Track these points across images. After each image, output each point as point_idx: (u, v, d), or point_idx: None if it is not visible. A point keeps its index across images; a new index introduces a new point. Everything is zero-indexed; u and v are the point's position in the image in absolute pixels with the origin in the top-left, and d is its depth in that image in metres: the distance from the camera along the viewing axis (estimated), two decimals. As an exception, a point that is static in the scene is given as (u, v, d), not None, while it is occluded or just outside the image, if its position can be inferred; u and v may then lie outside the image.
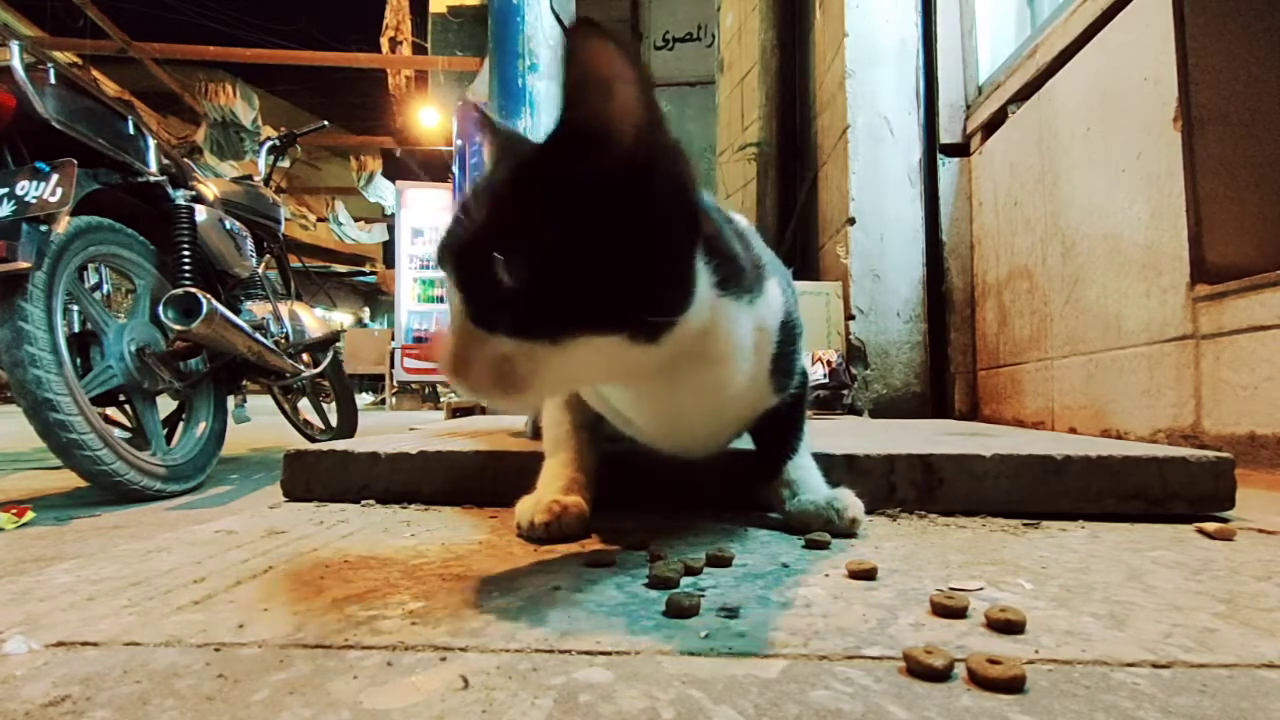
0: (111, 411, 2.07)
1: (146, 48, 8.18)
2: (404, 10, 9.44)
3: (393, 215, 10.55)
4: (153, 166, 2.02)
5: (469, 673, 0.47)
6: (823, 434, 1.41)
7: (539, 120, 3.21)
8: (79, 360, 1.85)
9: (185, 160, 2.35)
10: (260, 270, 2.63)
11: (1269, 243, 1.55)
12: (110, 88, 8.81)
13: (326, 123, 3.61)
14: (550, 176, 0.61)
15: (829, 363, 2.59)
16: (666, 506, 1.01)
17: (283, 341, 2.61)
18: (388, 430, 1.99)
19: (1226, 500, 1.00)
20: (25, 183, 1.59)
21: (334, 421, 3.18)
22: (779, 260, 0.91)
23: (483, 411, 4.72)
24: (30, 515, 1.52)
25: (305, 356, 2.82)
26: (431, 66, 8.14)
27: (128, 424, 2.05)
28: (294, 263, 3.07)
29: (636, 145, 0.60)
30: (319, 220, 13.62)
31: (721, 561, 0.74)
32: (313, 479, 1.13)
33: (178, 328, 1.86)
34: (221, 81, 8.98)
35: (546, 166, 0.62)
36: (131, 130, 1.98)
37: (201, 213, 2.15)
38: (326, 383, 3.17)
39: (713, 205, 0.74)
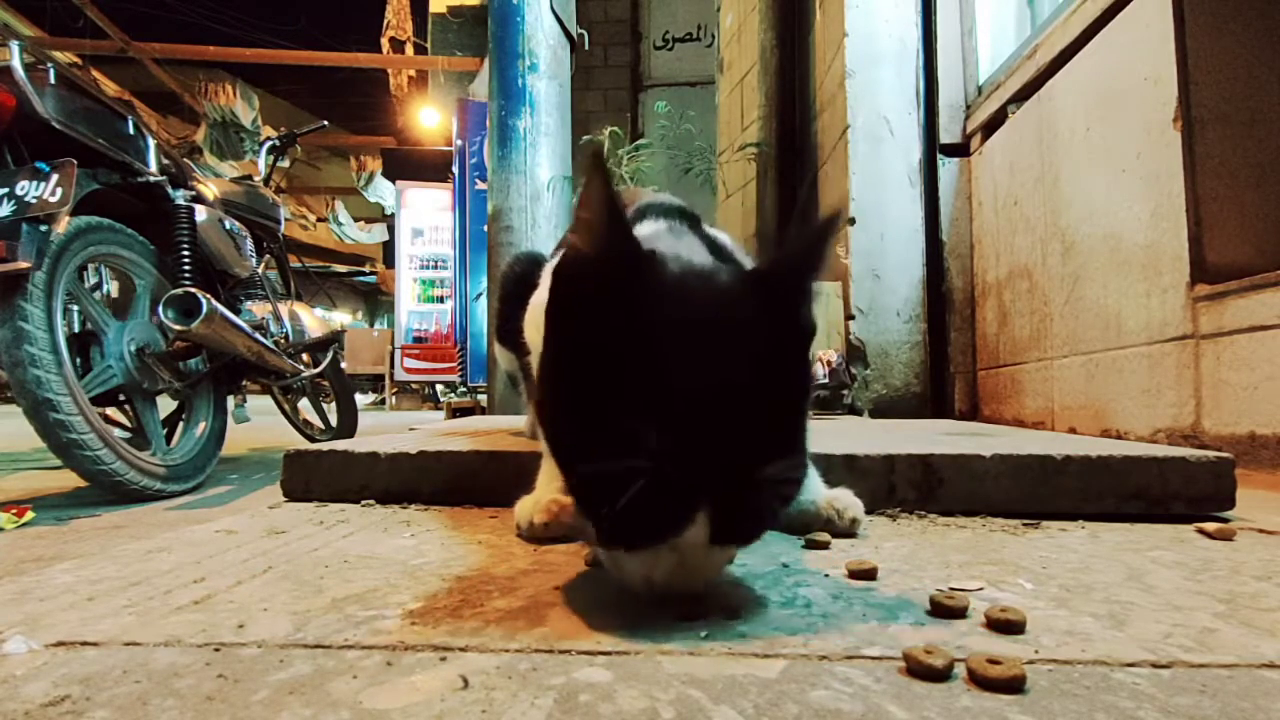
0: (111, 411, 2.06)
1: (146, 48, 8.18)
2: (404, 9, 9.44)
3: (393, 215, 10.56)
4: (153, 166, 2.02)
5: (469, 673, 0.47)
6: (823, 434, 1.41)
7: (539, 120, 3.21)
8: (79, 360, 1.85)
9: (185, 160, 2.35)
10: (260, 270, 2.63)
11: (1269, 243, 1.55)
12: (110, 88, 8.81)
13: (326, 123, 3.61)
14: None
15: (829, 363, 2.59)
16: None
17: (283, 341, 2.61)
18: (388, 430, 1.99)
19: (1226, 500, 1.00)
20: (25, 183, 1.59)
21: (334, 421, 3.18)
22: None
23: (483, 411, 4.72)
24: (30, 515, 1.52)
25: (305, 356, 2.82)
26: (431, 66, 8.15)
27: (128, 424, 2.05)
28: (294, 263, 3.07)
29: None
30: (319, 220, 13.63)
31: (721, 561, 0.74)
32: (313, 479, 1.13)
33: (178, 328, 1.86)
34: (221, 81, 8.98)
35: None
36: (131, 130, 1.98)
37: (201, 213, 2.15)
38: (326, 383, 3.17)
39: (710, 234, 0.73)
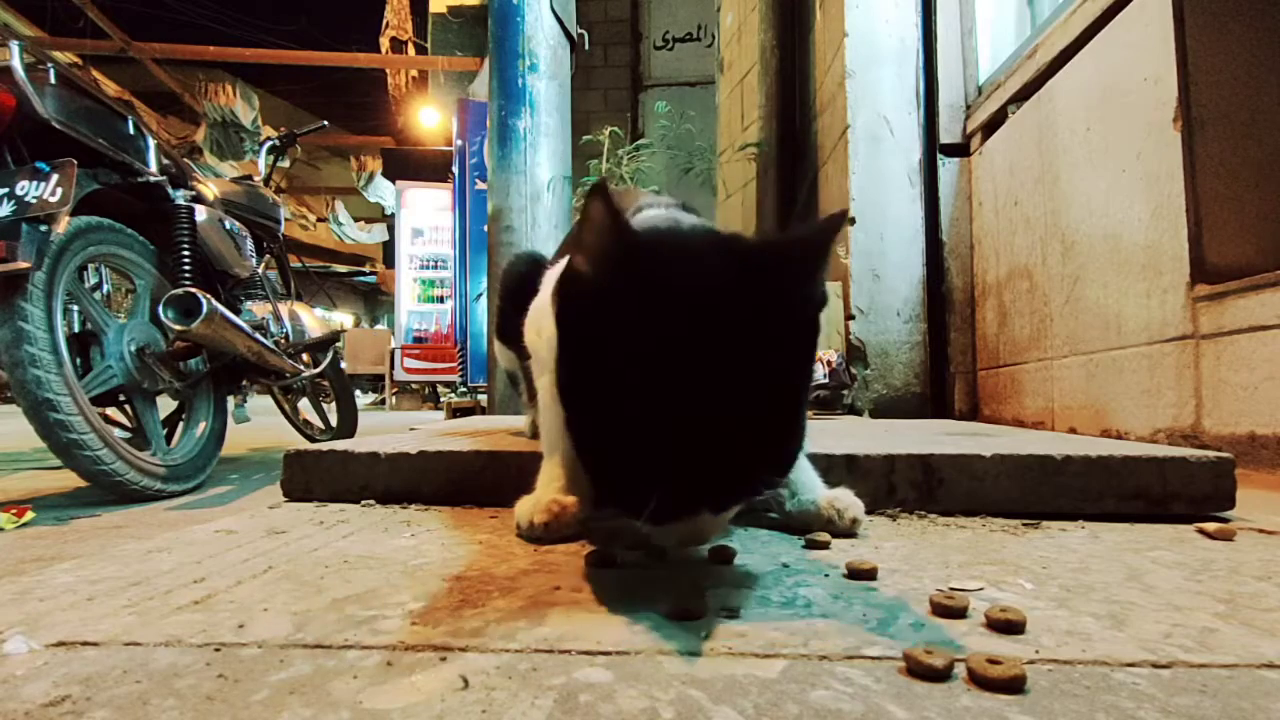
0: (111, 411, 2.06)
1: (146, 48, 8.18)
2: (404, 9, 9.44)
3: (393, 215, 10.56)
4: (153, 166, 2.02)
5: (469, 673, 0.47)
6: (823, 434, 1.41)
7: (539, 120, 3.21)
8: (79, 360, 1.85)
9: (185, 160, 2.35)
10: (260, 270, 2.63)
11: (1269, 243, 1.55)
12: (110, 88, 8.81)
13: (326, 123, 3.61)
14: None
15: (829, 363, 2.59)
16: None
17: (283, 341, 2.61)
18: (388, 430, 1.99)
19: (1227, 500, 1.00)
20: (25, 183, 1.58)
21: (334, 421, 3.18)
22: None
23: (483, 411, 4.72)
24: (30, 515, 1.52)
25: (305, 356, 2.81)
26: (431, 66, 8.15)
27: (128, 424, 2.05)
28: (294, 263, 3.07)
29: None
30: (319, 220, 13.64)
31: (723, 558, 0.74)
32: (313, 479, 1.13)
33: (178, 328, 1.85)
34: (221, 81, 8.99)
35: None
36: (131, 130, 1.98)
37: (201, 213, 2.14)
38: (326, 383, 3.17)
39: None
